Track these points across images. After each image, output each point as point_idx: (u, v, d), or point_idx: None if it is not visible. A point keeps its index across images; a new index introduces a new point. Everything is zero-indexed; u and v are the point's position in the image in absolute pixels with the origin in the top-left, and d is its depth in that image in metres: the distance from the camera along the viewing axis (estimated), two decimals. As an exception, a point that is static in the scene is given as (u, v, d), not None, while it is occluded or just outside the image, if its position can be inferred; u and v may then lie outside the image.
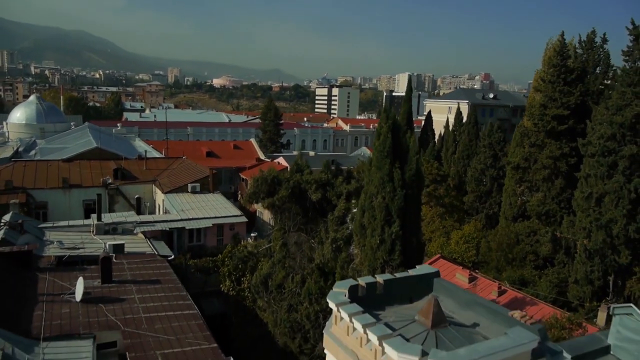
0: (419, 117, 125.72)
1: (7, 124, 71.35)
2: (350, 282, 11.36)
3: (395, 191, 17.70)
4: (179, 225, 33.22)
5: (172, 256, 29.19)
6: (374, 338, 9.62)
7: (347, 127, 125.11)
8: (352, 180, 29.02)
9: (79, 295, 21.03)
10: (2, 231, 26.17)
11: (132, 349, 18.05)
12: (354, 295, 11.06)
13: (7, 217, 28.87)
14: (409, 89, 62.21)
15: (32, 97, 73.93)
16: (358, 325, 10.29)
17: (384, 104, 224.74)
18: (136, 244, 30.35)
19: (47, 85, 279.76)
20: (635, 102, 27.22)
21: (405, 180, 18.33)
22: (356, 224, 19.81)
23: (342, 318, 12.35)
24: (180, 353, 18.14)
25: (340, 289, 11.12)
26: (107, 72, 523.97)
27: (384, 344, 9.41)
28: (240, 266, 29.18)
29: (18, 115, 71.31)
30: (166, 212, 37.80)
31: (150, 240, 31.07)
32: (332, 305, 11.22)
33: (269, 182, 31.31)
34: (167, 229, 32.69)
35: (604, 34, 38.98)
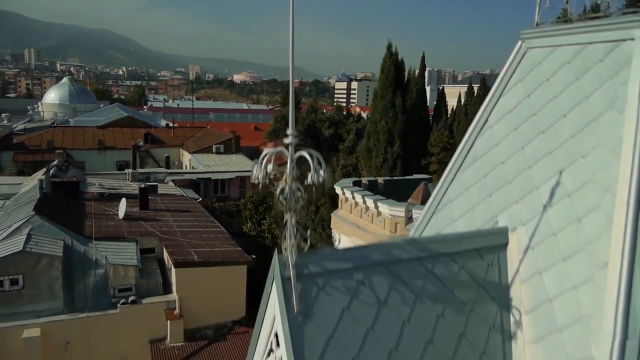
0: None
1: (41, 104, 75.61)
2: (354, 179, 13.93)
3: (397, 116, 20.30)
4: (205, 176, 36.28)
5: (200, 198, 32.28)
6: (371, 204, 12.18)
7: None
8: (361, 119, 31.64)
9: (121, 213, 24.13)
10: (52, 170, 29.53)
11: (169, 246, 21.07)
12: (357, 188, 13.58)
13: (54, 163, 32.35)
14: (422, 66, 64.24)
15: (65, 79, 78.14)
16: (359, 198, 12.84)
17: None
18: (167, 189, 33.49)
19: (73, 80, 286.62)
20: None
21: (406, 107, 20.92)
22: (363, 148, 22.47)
23: (346, 199, 15.26)
24: (210, 252, 21.09)
25: (346, 181, 13.71)
26: (130, 69, 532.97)
27: (379, 205, 11.99)
28: (260, 209, 32.11)
29: (52, 95, 75.51)
30: (193, 169, 40.95)
31: (179, 188, 34.21)
32: (338, 190, 13.80)
33: (287, 119, 34.08)
34: (195, 178, 35.78)
35: None
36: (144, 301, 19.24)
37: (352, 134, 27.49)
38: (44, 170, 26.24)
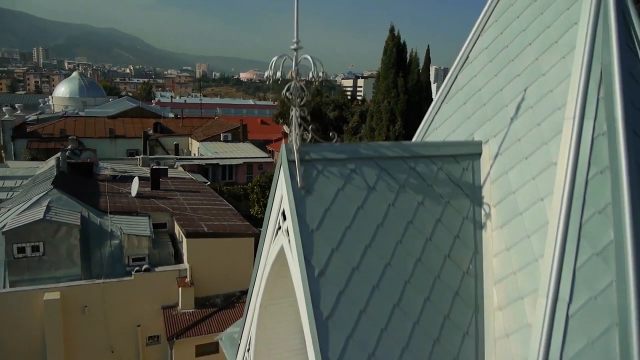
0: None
1: (52, 97, 76.92)
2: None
3: (399, 96, 21.18)
4: (214, 162, 37.26)
5: (208, 182, 33.27)
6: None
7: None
8: (365, 103, 32.51)
9: (134, 191, 25.13)
10: (67, 152, 30.60)
11: (180, 220, 22.05)
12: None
13: (68, 147, 33.45)
14: (427, 59, 65.08)
15: (75, 74, 79.43)
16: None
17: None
18: (177, 174, 34.51)
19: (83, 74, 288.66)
20: None
21: (407, 87, 21.79)
22: (366, 128, 23.36)
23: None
24: (219, 225, 22.05)
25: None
26: (137, 67, 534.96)
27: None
28: (267, 193, 33.08)
29: (62, 89, 76.81)
30: (201, 156, 41.96)
31: (188, 173, 35.22)
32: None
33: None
34: (204, 164, 36.78)
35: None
36: (156, 269, 20.22)
37: (356, 116, 28.35)
38: (58, 154, 27.29)
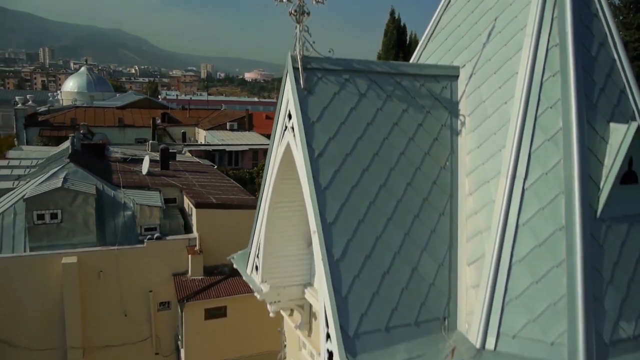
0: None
1: (61, 92, 78.23)
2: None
3: (399, 75, 22.06)
4: (220, 147, 38.32)
5: (215, 166, 34.32)
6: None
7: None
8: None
9: (145, 170, 26.19)
10: (80, 136, 31.74)
11: (189, 193, 23.08)
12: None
13: (80, 131, 34.62)
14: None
15: (83, 69, 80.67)
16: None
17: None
18: (185, 159, 35.59)
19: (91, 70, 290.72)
20: None
21: (407, 67, 22.65)
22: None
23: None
24: (226, 198, 23.07)
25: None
26: (142, 67, 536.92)
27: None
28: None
29: (71, 84, 78.08)
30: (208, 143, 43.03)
31: (196, 158, 36.29)
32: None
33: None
34: (211, 150, 37.84)
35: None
36: (167, 238, 21.26)
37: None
38: (73, 134, 28.40)
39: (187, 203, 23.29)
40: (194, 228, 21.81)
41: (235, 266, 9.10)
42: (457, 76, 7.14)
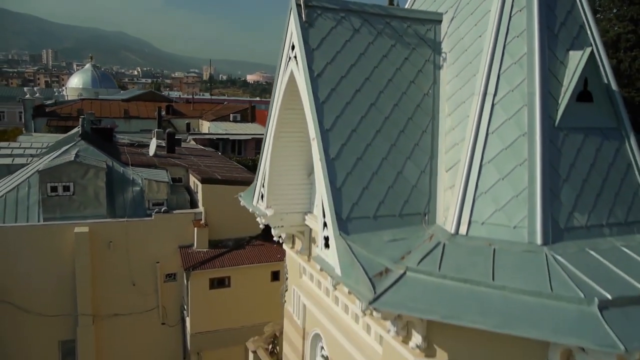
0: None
1: (66, 88, 79.34)
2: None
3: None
4: (224, 136, 39.29)
5: (220, 153, 35.27)
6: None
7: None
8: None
9: (152, 151, 27.14)
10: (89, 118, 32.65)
11: (195, 171, 24.02)
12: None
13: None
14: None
15: (88, 65, 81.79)
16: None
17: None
18: (189, 145, 36.54)
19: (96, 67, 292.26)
20: None
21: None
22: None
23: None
24: (230, 175, 24.01)
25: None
26: (145, 69, 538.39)
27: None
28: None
29: (75, 80, 79.24)
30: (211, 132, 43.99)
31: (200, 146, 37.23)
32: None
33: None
34: (214, 138, 38.80)
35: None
36: (174, 212, 22.19)
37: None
38: (82, 119, 29.31)
39: (193, 181, 24.23)
40: (200, 203, 22.73)
41: (242, 203, 10.00)
42: (440, 21, 8.09)
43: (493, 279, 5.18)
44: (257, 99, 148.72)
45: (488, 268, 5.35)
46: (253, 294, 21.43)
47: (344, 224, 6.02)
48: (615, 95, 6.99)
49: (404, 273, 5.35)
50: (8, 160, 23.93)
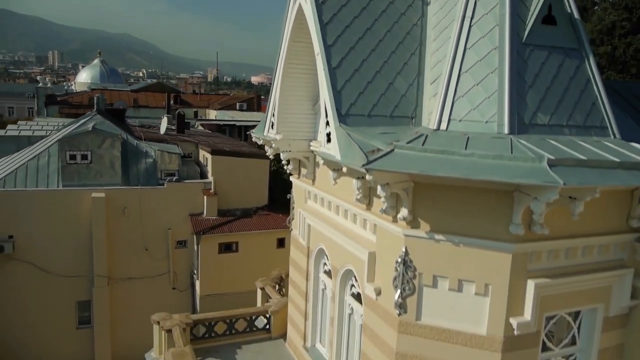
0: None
1: (75, 83, 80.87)
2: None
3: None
4: (230, 122, 40.54)
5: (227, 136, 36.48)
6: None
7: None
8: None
9: (163, 129, 28.42)
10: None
11: (204, 145, 25.23)
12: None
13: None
14: None
15: (96, 61, 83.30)
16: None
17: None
18: (198, 131, 37.79)
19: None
20: None
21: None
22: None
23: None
24: (238, 149, 25.21)
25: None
26: (150, 70, 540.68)
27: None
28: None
29: (84, 75, 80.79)
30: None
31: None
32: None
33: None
34: (221, 124, 40.05)
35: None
36: (185, 181, 23.43)
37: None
38: (96, 97, 30.57)
39: (203, 154, 25.47)
40: (209, 174, 23.96)
41: (254, 137, 11.18)
42: (430, -31, 9.25)
43: (465, 149, 6.33)
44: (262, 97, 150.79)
45: (462, 144, 6.51)
46: (259, 259, 22.57)
47: (343, 118, 7.21)
48: (577, 22, 8.13)
49: (393, 149, 6.51)
50: (29, 132, 25.22)
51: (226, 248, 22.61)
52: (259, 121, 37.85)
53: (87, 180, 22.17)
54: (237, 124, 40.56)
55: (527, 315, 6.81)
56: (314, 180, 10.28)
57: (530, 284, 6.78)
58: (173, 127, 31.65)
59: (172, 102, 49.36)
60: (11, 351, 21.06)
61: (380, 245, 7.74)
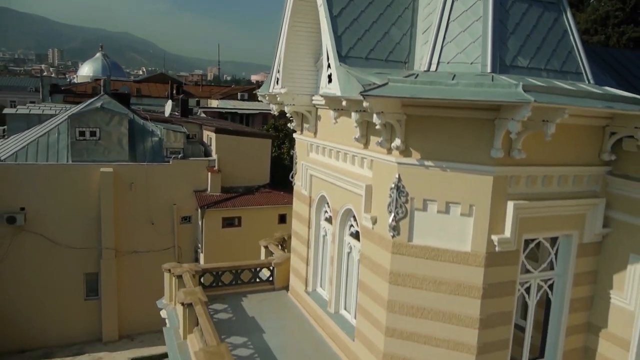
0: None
1: (77, 76, 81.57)
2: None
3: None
4: (232, 110, 41.34)
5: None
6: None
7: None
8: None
9: (167, 112, 29.23)
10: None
11: (208, 125, 26.03)
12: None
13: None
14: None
15: (98, 54, 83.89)
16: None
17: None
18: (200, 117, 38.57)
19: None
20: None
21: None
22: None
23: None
24: (241, 129, 25.99)
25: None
26: (150, 69, 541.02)
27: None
28: (280, 135, 37.04)
29: (86, 69, 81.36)
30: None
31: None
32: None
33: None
34: (223, 112, 40.85)
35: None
36: (190, 159, 24.24)
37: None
38: (103, 79, 31.34)
39: (207, 135, 26.28)
40: (213, 152, 24.77)
41: (259, 96, 11.99)
42: None
43: (452, 80, 7.15)
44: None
45: (449, 78, 7.33)
46: (261, 234, 23.23)
47: (343, 59, 8.03)
48: (556, -20, 8.95)
49: (387, 82, 7.32)
50: (39, 111, 26.03)
51: (229, 223, 23.41)
52: (261, 110, 38.58)
53: (96, 157, 22.97)
54: (239, 112, 41.31)
55: (507, 233, 7.62)
56: (315, 133, 11.09)
57: (510, 205, 7.60)
58: (176, 113, 32.47)
59: (174, 92, 50.11)
60: (24, 316, 21.84)
61: (376, 177, 8.56)
